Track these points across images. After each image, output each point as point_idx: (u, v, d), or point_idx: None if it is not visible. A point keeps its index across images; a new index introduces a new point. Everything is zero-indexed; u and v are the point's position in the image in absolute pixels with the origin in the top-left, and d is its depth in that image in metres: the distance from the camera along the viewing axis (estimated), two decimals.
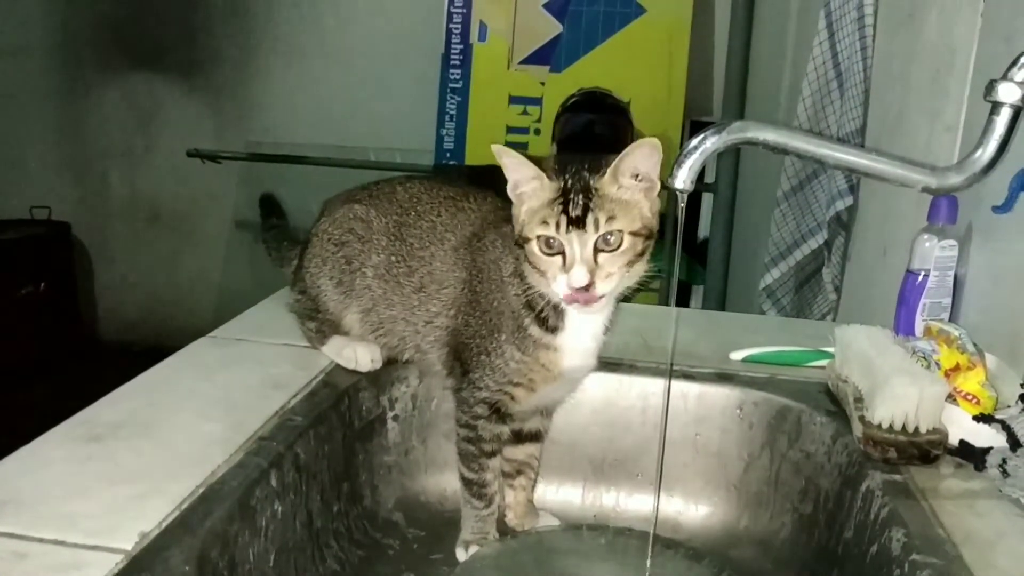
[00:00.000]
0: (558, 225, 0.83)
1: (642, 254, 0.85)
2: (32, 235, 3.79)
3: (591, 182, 0.83)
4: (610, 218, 0.82)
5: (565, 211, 0.83)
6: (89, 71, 3.92)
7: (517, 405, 0.97)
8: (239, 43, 3.80)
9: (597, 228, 0.82)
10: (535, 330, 0.91)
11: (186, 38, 3.83)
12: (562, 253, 0.83)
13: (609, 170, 0.83)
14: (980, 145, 0.84)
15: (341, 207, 1.09)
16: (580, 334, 0.92)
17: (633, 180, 0.84)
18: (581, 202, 0.82)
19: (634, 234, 0.84)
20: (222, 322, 1.21)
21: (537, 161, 0.86)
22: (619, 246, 0.83)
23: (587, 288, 0.83)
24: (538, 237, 0.84)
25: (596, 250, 0.83)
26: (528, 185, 0.86)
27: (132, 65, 3.88)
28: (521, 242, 0.87)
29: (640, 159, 0.83)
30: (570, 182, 0.84)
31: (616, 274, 0.84)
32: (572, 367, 0.94)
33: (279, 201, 1.37)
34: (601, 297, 0.84)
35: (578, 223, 0.82)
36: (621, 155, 0.83)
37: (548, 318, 0.91)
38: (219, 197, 3.87)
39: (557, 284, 0.84)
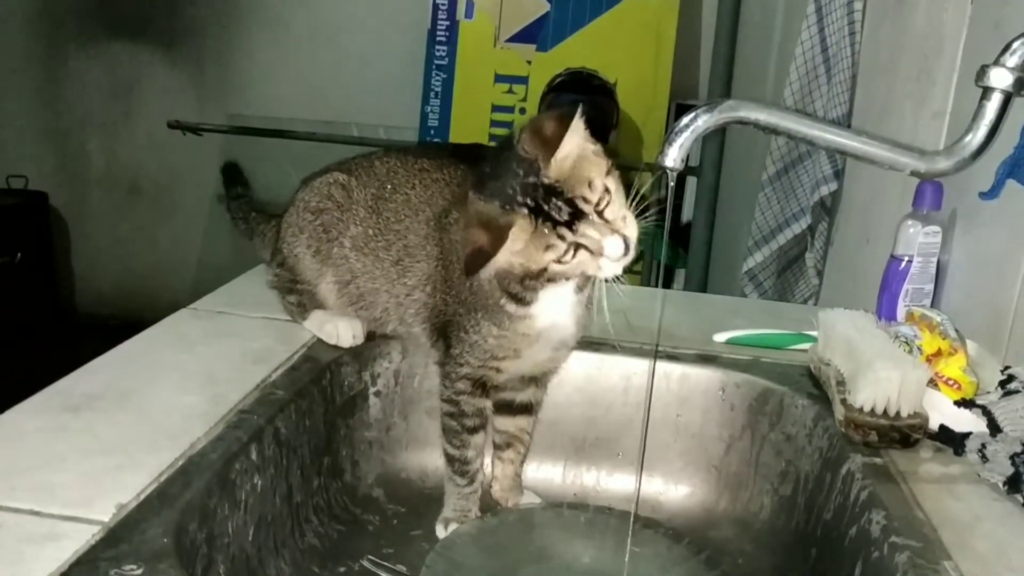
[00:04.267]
0: (563, 236, 0.81)
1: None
2: (8, 205, 3.73)
3: (545, 181, 0.80)
4: (589, 184, 0.80)
5: (555, 223, 0.80)
6: (69, 39, 3.86)
7: (503, 376, 0.96)
8: (222, 14, 3.75)
9: (588, 201, 0.80)
10: (511, 307, 0.90)
11: (168, 8, 3.77)
12: (582, 247, 0.81)
13: (551, 161, 0.80)
14: (970, 130, 0.84)
15: (320, 177, 1.08)
16: (555, 297, 0.90)
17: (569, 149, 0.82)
18: (559, 203, 0.80)
19: (608, 173, 0.82)
20: (201, 296, 1.19)
21: (494, 222, 0.81)
22: (611, 194, 0.82)
23: (627, 246, 0.81)
24: (552, 260, 0.82)
25: (600, 214, 0.81)
26: (516, 247, 0.83)
27: (113, 34, 3.81)
28: (534, 276, 0.84)
29: (573, 139, 0.81)
30: (529, 200, 0.80)
31: (629, 215, 0.82)
32: (549, 326, 0.92)
33: (242, 170, 1.34)
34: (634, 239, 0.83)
35: (574, 217, 0.80)
36: (558, 145, 0.80)
37: (524, 296, 0.89)
38: (199, 170, 3.82)
39: (604, 270, 0.82)
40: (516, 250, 0.82)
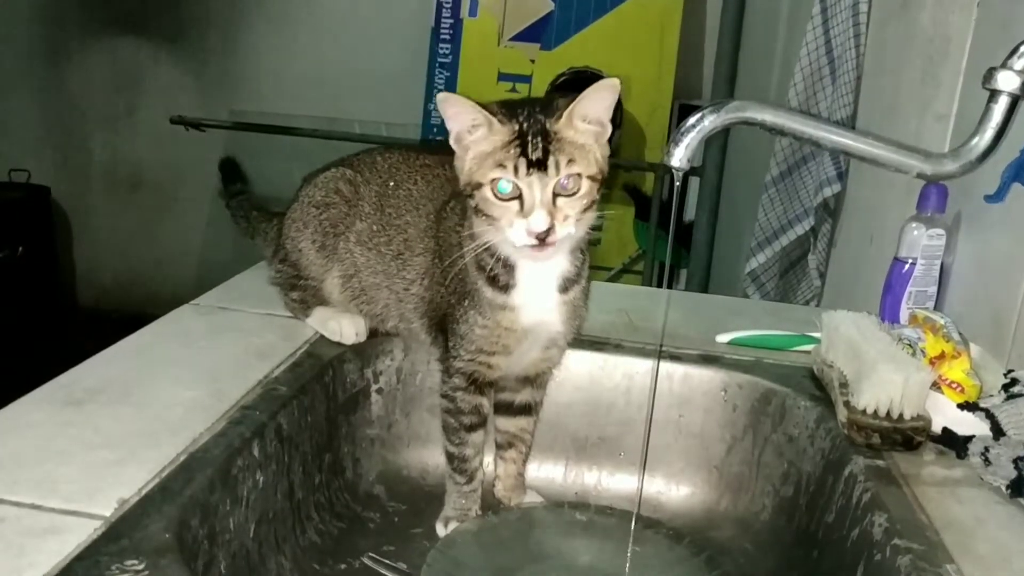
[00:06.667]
0: (516, 168, 0.81)
1: (594, 203, 0.85)
2: (10, 199, 3.73)
3: (548, 125, 0.82)
4: (570, 161, 0.81)
5: (524, 153, 0.81)
6: (73, 34, 3.86)
7: (496, 372, 0.96)
8: (226, 9, 3.75)
9: (558, 171, 0.81)
10: (487, 291, 0.90)
11: (172, 3, 3.77)
12: (518, 198, 0.82)
13: (566, 112, 0.82)
14: (976, 133, 0.84)
15: (324, 173, 1.09)
16: (534, 289, 0.91)
17: (586, 124, 0.83)
18: (541, 144, 0.81)
19: (591, 178, 0.83)
20: (203, 291, 1.19)
21: (485, 106, 0.84)
22: (577, 190, 0.83)
23: (547, 233, 0.81)
24: (492, 181, 0.82)
25: (554, 194, 0.82)
26: (475, 133, 0.84)
27: (117, 29, 3.82)
28: (471, 189, 0.84)
29: (597, 101, 0.83)
30: (525, 125, 0.82)
31: (572, 218, 0.83)
32: (534, 324, 0.92)
33: (240, 165, 1.33)
34: (558, 242, 0.83)
35: (539, 165, 0.81)
36: (579, 97, 0.82)
37: (498, 276, 0.89)
38: (202, 165, 3.81)
39: (514, 230, 0.82)
40: (482, 150, 0.84)
